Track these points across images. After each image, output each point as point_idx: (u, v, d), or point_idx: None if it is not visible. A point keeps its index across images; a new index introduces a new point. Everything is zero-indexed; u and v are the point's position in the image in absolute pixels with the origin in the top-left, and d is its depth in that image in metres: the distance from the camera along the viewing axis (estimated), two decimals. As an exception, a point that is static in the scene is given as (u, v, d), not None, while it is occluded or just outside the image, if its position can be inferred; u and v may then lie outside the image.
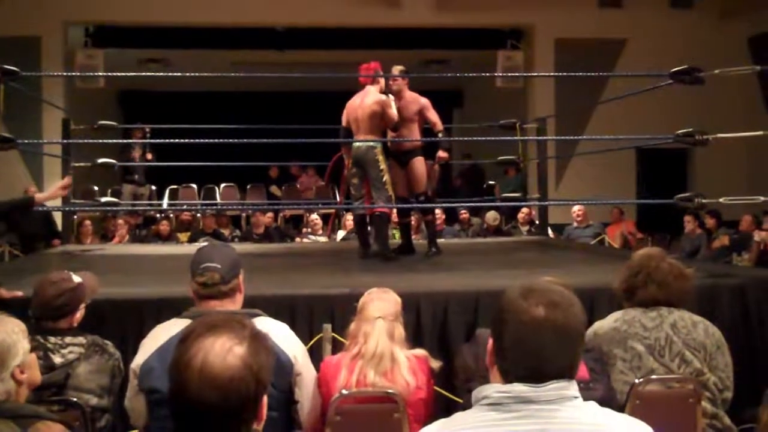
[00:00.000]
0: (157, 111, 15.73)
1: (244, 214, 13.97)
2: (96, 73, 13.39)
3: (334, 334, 4.36)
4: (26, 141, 8.60)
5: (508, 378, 1.79)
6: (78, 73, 13.49)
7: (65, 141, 8.74)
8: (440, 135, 7.46)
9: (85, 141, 9.23)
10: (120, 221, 11.77)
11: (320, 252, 8.99)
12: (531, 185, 13.02)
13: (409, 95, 7.30)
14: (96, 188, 13.53)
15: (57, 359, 3.43)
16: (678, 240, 11.62)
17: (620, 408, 3.21)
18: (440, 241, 8.20)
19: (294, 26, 14.43)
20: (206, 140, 7.62)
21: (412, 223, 8.50)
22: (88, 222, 11.39)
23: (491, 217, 12.00)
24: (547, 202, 9.78)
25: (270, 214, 12.56)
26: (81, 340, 3.53)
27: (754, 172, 13.54)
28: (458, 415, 1.84)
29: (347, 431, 3.34)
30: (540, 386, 1.75)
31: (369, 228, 7.50)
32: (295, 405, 3.07)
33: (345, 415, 3.33)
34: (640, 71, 9.98)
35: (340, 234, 11.49)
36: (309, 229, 11.84)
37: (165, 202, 14.18)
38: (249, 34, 14.56)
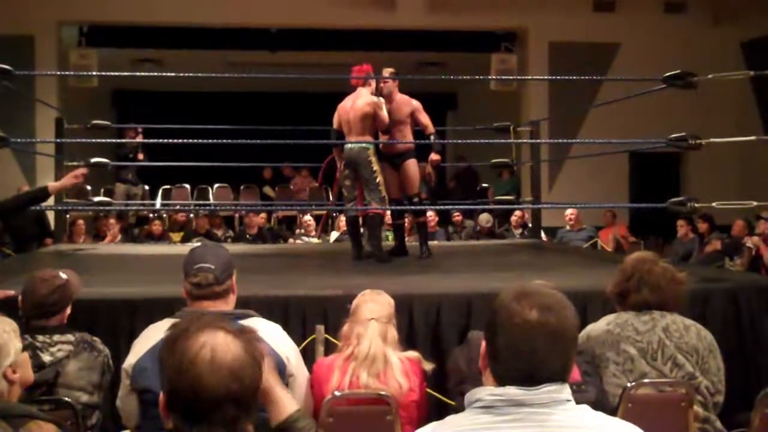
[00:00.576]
0: (150, 111, 15.70)
1: (237, 215, 13.95)
2: (89, 73, 13.37)
3: (326, 335, 4.36)
4: (19, 140, 8.56)
5: (501, 381, 1.79)
6: (71, 73, 13.46)
7: (58, 140, 8.73)
8: (432, 137, 7.46)
9: (79, 140, 9.21)
10: (112, 221, 11.75)
11: (313, 253, 8.99)
12: (524, 188, 13.05)
13: (401, 97, 7.30)
14: (89, 188, 13.50)
15: (46, 357, 3.42)
16: (670, 244, 11.64)
17: (612, 411, 3.21)
18: (433, 243, 8.20)
19: (287, 27, 14.42)
20: (199, 140, 7.61)
21: (405, 225, 8.48)
22: (81, 221, 11.37)
23: (484, 219, 12.00)
24: (540, 205, 9.79)
25: (262, 215, 12.55)
26: (69, 337, 3.53)
27: (746, 176, 13.58)
28: (451, 418, 1.84)
29: (339, 433, 3.34)
30: (533, 389, 1.75)
31: (362, 229, 7.50)
32: (288, 406, 3.07)
33: (337, 417, 3.33)
34: (633, 75, 10.00)
35: (333, 235, 11.48)
36: (302, 230, 11.83)
37: (158, 202, 14.15)
38: (242, 34, 14.55)
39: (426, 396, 3.62)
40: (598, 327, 3.59)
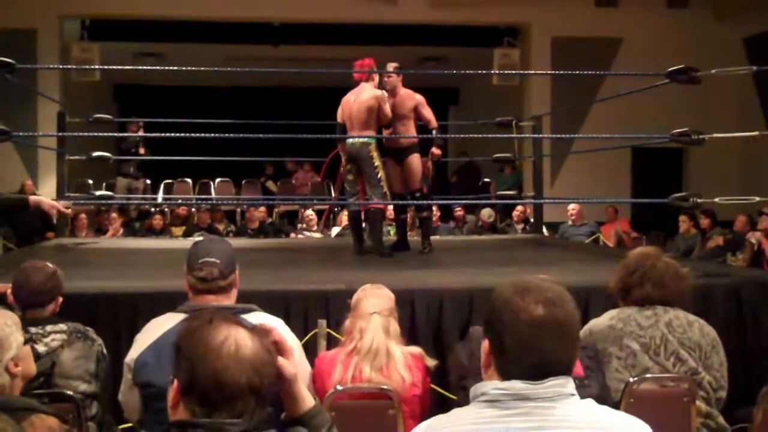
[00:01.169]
0: (152, 105, 15.66)
1: (239, 209, 13.95)
2: (91, 67, 13.36)
3: (329, 329, 4.36)
4: (21, 134, 8.58)
5: (507, 376, 1.79)
6: (73, 67, 13.46)
7: (60, 134, 8.72)
8: (435, 132, 7.45)
9: (81, 134, 9.21)
10: (114, 215, 11.76)
11: (315, 248, 8.99)
12: (526, 183, 13.04)
13: (404, 92, 7.29)
14: (91, 182, 13.50)
15: (41, 348, 3.43)
16: (672, 239, 11.64)
17: (614, 406, 3.21)
18: (434, 238, 8.20)
19: (290, 21, 14.41)
20: (201, 135, 7.61)
21: (408, 220, 8.49)
22: (83, 215, 11.39)
23: (486, 214, 12.00)
24: (542, 200, 9.78)
25: (262, 209, 12.54)
26: (62, 327, 3.54)
27: (748, 172, 13.56)
28: (456, 411, 1.85)
29: (341, 427, 3.31)
30: (538, 383, 1.75)
31: (363, 224, 7.49)
32: (290, 401, 3.07)
33: (339, 411, 3.32)
34: (635, 70, 9.98)
35: (335, 230, 11.48)
36: (304, 225, 11.83)
37: (160, 197, 14.15)
38: (244, 29, 14.53)
39: (429, 391, 3.62)
40: (600, 322, 3.59)
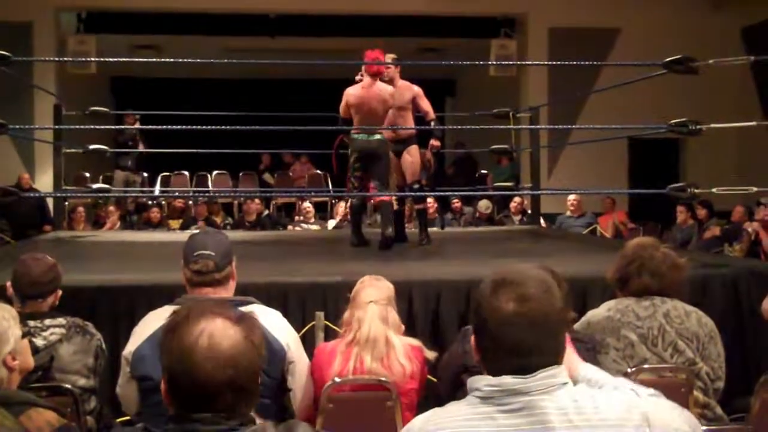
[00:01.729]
0: (149, 97, 15.68)
1: (236, 202, 13.94)
2: (88, 59, 13.33)
3: (326, 321, 4.36)
4: (18, 126, 8.56)
5: (496, 373, 1.78)
6: (70, 59, 13.43)
7: (57, 127, 8.71)
8: (433, 124, 7.44)
9: (77, 127, 9.19)
10: (112, 208, 11.75)
11: (312, 240, 8.99)
12: (523, 174, 13.04)
13: (402, 83, 7.27)
14: (88, 175, 13.49)
15: (39, 342, 3.42)
16: (669, 230, 11.64)
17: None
18: (432, 230, 8.20)
19: (286, 13, 14.38)
20: (198, 127, 7.60)
21: (405, 211, 8.47)
22: (81, 208, 11.38)
23: (483, 205, 12.00)
24: (539, 192, 9.78)
25: (258, 201, 12.53)
26: (61, 321, 3.53)
27: (746, 162, 13.56)
28: (451, 407, 1.84)
29: (340, 419, 3.33)
30: (529, 377, 1.74)
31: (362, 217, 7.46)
32: (288, 393, 3.08)
33: (337, 403, 3.33)
34: (633, 61, 9.97)
35: (332, 222, 11.49)
36: (301, 217, 11.83)
37: (157, 189, 14.14)
38: (241, 20, 14.50)
39: (426, 383, 3.62)
40: (598, 313, 3.59)
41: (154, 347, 2.72)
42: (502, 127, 9.81)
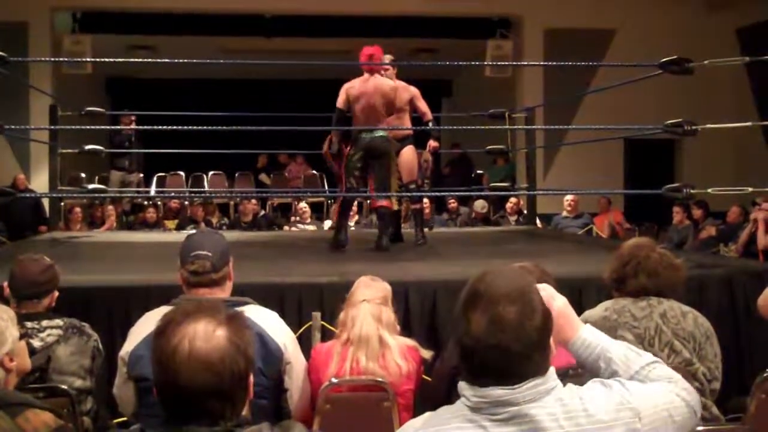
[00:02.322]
0: (144, 98, 15.67)
1: (232, 202, 13.94)
2: (83, 59, 13.31)
3: (323, 322, 4.36)
4: (13, 127, 8.54)
5: (478, 384, 1.75)
6: (65, 59, 13.41)
7: (52, 127, 8.70)
8: (430, 124, 7.44)
9: (73, 127, 9.18)
10: (110, 208, 11.75)
11: (309, 240, 8.98)
12: (519, 175, 13.04)
13: (399, 84, 7.26)
14: (83, 175, 13.47)
15: (36, 343, 3.42)
16: (665, 230, 11.66)
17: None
18: (427, 230, 8.19)
19: (282, 14, 14.37)
20: (194, 127, 7.59)
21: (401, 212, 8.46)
22: (77, 209, 11.37)
23: (479, 205, 12.01)
24: (535, 192, 9.79)
25: (254, 202, 12.51)
26: (58, 322, 3.53)
27: (741, 162, 13.58)
28: (444, 412, 1.83)
29: (336, 420, 3.34)
30: (515, 388, 1.72)
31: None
32: (285, 394, 3.08)
33: (334, 404, 3.33)
34: (629, 61, 9.98)
35: (328, 223, 11.48)
36: (297, 218, 11.83)
37: (152, 190, 14.13)
38: (237, 21, 14.49)
39: (421, 383, 3.63)
40: (595, 313, 3.59)
41: (150, 348, 2.72)
42: (498, 127, 9.82)
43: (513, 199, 11.84)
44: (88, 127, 8.97)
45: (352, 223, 10.52)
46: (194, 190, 14.50)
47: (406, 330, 4.18)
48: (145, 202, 13.13)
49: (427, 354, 3.59)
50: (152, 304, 3.13)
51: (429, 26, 14.81)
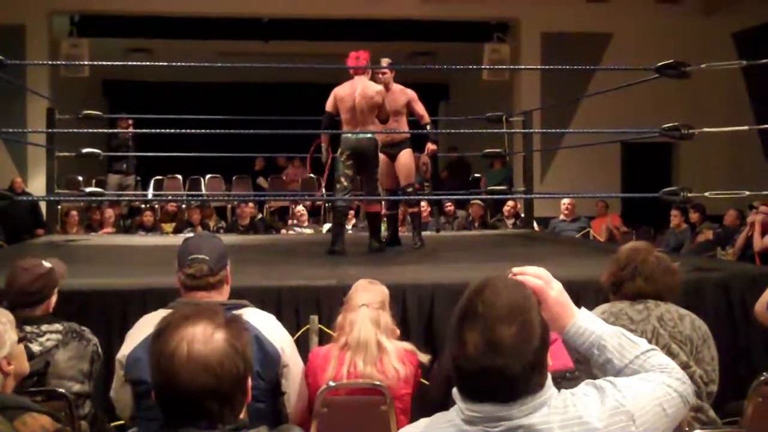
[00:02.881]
0: (142, 101, 15.65)
1: (229, 206, 13.93)
2: (81, 63, 13.32)
3: (320, 325, 4.36)
4: (10, 130, 8.54)
5: (472, 399, 1.73)
6: (63, 63, 13.41)
7: (50, 130, 8.69)
8: (428, 127, 7.45)
9: (70, 131, 9.18)
10: (109, 211, 11.74)
11: (306, 244, 8.98)
12: (516, 178, 13.05)
13: (396, 87, 7.28)
14: (80, 178, 13.47)
15: (35, 347, 3.42)
16: (662, 234, 11.67)
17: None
18: (425, 233, 8.20)
19: (279, 17, 14.39)
20: (191, 131, 7.59)
21: (399, 215, 8.47)
22: (74, 212, 11.36)
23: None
24: (532, 196, 9.79)
25: (251, 205, 12.51)
26: (57, 326, 3.53)
27: (738, 166, 13.60)
28: (439, 419, 1.82)
29: (334, 423, 3.34)
30: (511, 405, 1.70)
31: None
32: (282, 397, 3.08)
33: (332, 407, 3.33)
34: (625, 65, 9.99)
35: (326, 226, 11.48)
36: (295, 221, 11.82)
37: (150, 193, 14.12)
38: (234, 24, 14.50)
39: (419, 387, 3.63)
40: (591, 316, 3.60)
41: (148, 351, 2.72)
42: (495, 131, 9.82)
43: (510, 203, 11.84)
44: (85, 130, 8.96)
45: (349, 227, 10.53)
46: (191, 193, 14.49)
47: (404, 333, 4.18)
48: (143, 206, 13.12)
49: (424, 358, 3.60)
50: (149, 308, 3.13)
51: (426, 30, 14.82)
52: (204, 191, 14.81)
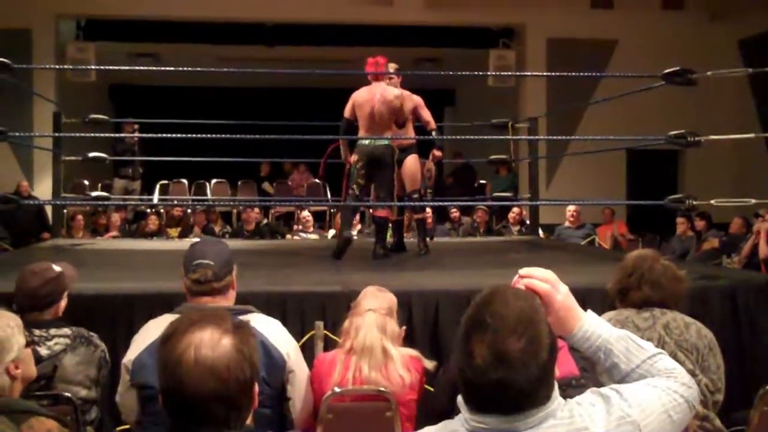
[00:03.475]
0: (148, 105, 15.69)
1: (235, 211, 13.94)
2: (87, 67, 13.35)
3: (325, 331, 4.36)
4: (17, 134, 8.56)
5: (476, 410, 1.73)
6: (69, 67, 13.45)
7: (56, 134, 8.71)
8: (433, 134, 7.45)
9: (76, 135, 9.19)
10: (115, 215, 11.76)
11: (311, 249, 8.98)
12: (522, 185, 13.05)
13: (403, 93, 7.27)
14: (86, 182, 13.49)
15: (43, 351, 3.42)
16: (667, 241, 11.65)
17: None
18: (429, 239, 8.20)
19: (284, 22, 14.42)
20: (197, 135, 7.60)
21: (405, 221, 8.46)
22: (79, 216, 11.38)
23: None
24: (538, 202, 9.79)
25: (257, 210, 12.52)
26: (66, 331, 3.52)
27: (744, 174, 13.58)
28: (446, 427, 1.82)
29: (339, 429, 3.33)
30: (516, 418, 1.69)
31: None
32: (287, 402, 3.07)
33: (337, 413, 3.33)
34: (631, 72, 10.00)
35: (331, 232, 11.48)
36: (300, 227, 11.83)
37: (155, 197, 14.14)
38: (239, 29, 14.54)
39: (424, 393, 3.62)
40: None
41: (154, 355, 2.72)
42: (500, 137, 9.82)
43: (515, 209, 11.84)
44: (91, 134, 8.97)
45: (354, 232, 10.52)
46: (197, 198, 14.50)
47: (409, 340, 4.18)
48: (148, 210, 13.14)
49: (430, 365, 3.59)
50: (155, 312, 3.13)
51: (432, 36, 14.85)
52: (209, 196, 14.82)
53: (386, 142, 6.78)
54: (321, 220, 13.08)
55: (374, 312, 3.50)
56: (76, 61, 13.48)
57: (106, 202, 10.13)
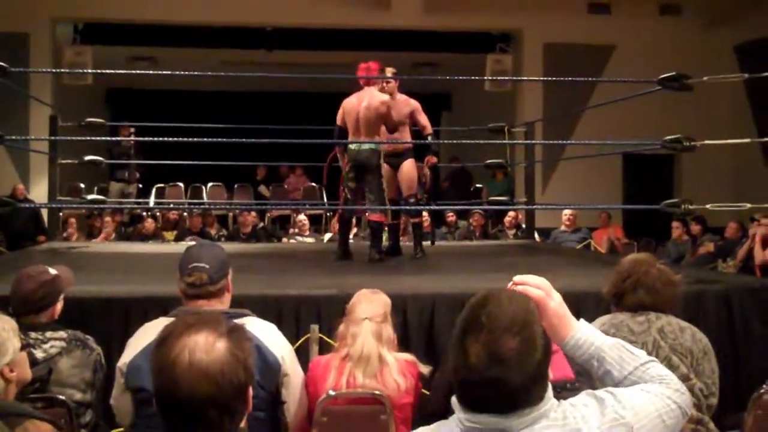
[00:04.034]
0: (144, 109, 15.69)
1: (231, 214, 13.93)
2: (84, 70, 13.35)
3: (321, 335, 4.36)
4: (13, 137, 8.55)
5: (470, 409, 1.73)
6: (66, 70, 13.44)
7: (53, 138, 8.71)
8: (430, 138, 7.45)
9: (73, 138, 9.20)
10: (108, 219, 11.74)
11: (307, 253, 8.98)
12: (518, 189, 13.05)
13: (401, 97, 7.29)
14: (82, 186, 13.48)
15: (39, 354, 3.41)
16: (663, 246, 11.67)
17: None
18: (426, 244, 8.20)
19: (283, 27, 14.42)
20: (194, 139, 7.59)
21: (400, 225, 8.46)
22: (72, 219, 11.37)
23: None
24: (534, 206, 9.79)
25: (253, 214, 12.51)
26: (62, 334, 3.52)
27: (739, 178, 13.61)
28: (440, 427, 1.83)
29: (334, 432, 3.34)
30: (510, 416, 1.70)
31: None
32: (282, 406, 3.08)
33: (331, 417, 3.33)
34: (628, 77, 10.01)
35: (327, 236, 11.48)
36: (296, 230, 11.83)
37: (151, 201, 14.13)
38: (238, 33, 14.55)
39: (420, 398, 3.62)
40: (592, 328, 3.60)
41: (149, 359, 2.72)
42: (497, 141, 9.82)
43: (511, 213, 11.84)
44: (87, 138, 8.98)
45: (351, 236, 10.52)
46: (193, 201, 14.49)
47: (404, 343, 4.18)
48: (144, 213, 13.13)
49: (425, 369, 3.59)
50: (151, 316, 3.14)
51: (429, 40, 14.86)
52: (206, 199, 14.81)
53: (371, 146, 6.81)
54: (317, 224, 13.08)
55: (370, 320, 3.50)
56: (73, 65, 13.48)
57: (101, 206, 10.11)
